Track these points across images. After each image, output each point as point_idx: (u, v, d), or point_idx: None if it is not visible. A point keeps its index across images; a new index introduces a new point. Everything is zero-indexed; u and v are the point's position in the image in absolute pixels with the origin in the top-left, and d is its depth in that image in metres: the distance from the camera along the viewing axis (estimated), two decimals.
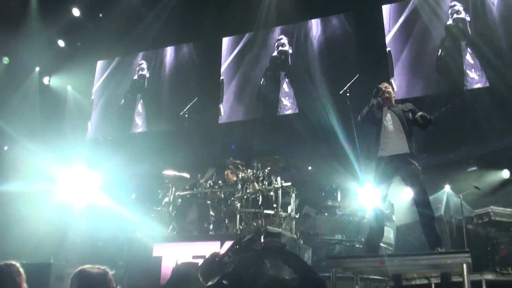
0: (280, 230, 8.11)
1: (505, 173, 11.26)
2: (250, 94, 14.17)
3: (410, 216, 9.78)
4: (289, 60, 14.06)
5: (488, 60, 11.76)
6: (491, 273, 7.45)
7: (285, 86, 13.74)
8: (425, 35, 12.66)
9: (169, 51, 15.90)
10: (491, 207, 8.68)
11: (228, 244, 4.65)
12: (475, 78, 11.79)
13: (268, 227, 8.11)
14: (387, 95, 6.58)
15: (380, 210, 6.29)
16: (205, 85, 14.74)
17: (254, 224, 8.46)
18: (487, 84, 11.62)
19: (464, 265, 5.38)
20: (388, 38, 13.04)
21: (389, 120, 6.44)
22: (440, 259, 5.81)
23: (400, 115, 6.44)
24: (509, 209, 8.79)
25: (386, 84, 6.79)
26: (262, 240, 3.73)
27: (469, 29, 12.35)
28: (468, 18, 12.38)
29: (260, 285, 3.45)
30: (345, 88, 12.13)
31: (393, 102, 6.72)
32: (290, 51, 14.12)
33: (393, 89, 6.98)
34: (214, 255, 3.86)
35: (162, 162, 10.82)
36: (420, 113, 6.29)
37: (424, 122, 6.29)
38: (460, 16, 12.44)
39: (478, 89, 11.68)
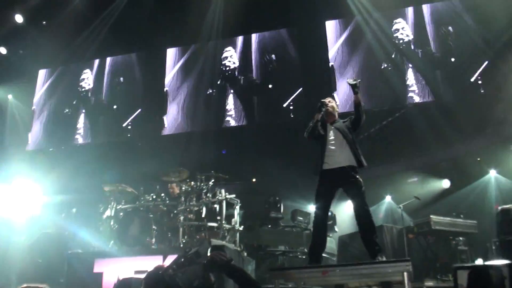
0: (224, 242, 8.04)
1: (445, 183, 11.57)
2: (194, 106, 14.04)
3: (352, 226, 9.91)
4: (235, 73, 14.06)
5: (430, 76, 12.14)
6: (431, 280, 7.63)
7: (231, 98, 13.72)
8: (368, 51, 12.91)
9: (113, 61, 15.60)
10: (430, 216, 8.90)
11: (171, 258, 4.53)
12: (416, 92, 12.13)
13: (211, 239, 8.03)
14: (330, 109, 6.63)
15: (322, 221, 6.31)
16: (149, 96, 14.53)
17: (198, 237, 8.36)
18: (430, 99, 11.95)
19: (405, 274, 5.41)
20: (331, 53, 13.25)
21: (332, 135, 6.50)
22: (381, 268, 5.85)
23: (343, 130, 6.51)
24: (448, 218, 9.04)
25: (329, 99, 6.83)
26: (208, 253, 3.65)
27: (412, 45, 12.70)
28: (410, 36, 12.73)
29: None
30: (288, 101, 12.24)
31: (336, 117, 6.77)
32: (236, 64, 14.13)
33: (336, 103, 7.02)
34: (158, 268, 3.75)
35: (104, 175, 10.59)
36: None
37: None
38: (402, 33, 12.77)
39: (421, 103, 11.99)
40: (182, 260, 3.64)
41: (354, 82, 6.34)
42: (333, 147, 6.39)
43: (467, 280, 5.23)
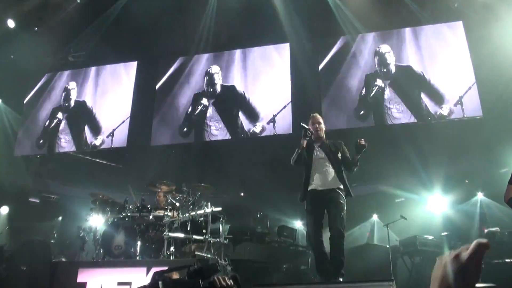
0: (208, 255, 8.00)
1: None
2: (178, 118, 13.96)
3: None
4: (218, 88, 14.01)
5: (411, 98, 12.22)
6: None
7: (213, 112, 13.66)
8: (352, 71, 12.97)
9: (98, 71, 15.51)
10: (416, 236, 8.92)
11: (155, 269, 4.40)
12: (397, 113, 12.17)
13: (196, 252, 7.98)
14: (317, 133, 6.66)
15: (316, 238, 6.32)
16: (137, 105, 14.45)
17: (183, 250, 8.30)
18: (413, 119, 12.00)
19: None
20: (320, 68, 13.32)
21: (317, 156, 6.55)
22: (365, 286, 5.86)
23: (328, 153, 6.55)
24: (433, 237, 9.07)
25: (319, 120, 6.84)
26: (213, 276, 3.49)
27: (392, 68, 12.75)
28: (392, 59, 12.81)
29: None
30: (274, 115, 12.27)
31: (324, 137, 6.79)
32: (220, 79, 14.10)
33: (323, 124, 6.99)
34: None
35: (91, 184, 10.51)
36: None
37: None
38: (385, 56, 12.86)
39: (404, 124, 12.04)
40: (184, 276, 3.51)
41: (364, 145, 6.33)
42: (319, 168, 6.44)
43: None
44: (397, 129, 11.98)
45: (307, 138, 6.51)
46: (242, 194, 12.89)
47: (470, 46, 11.94)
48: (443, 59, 12.35)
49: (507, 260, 7.52)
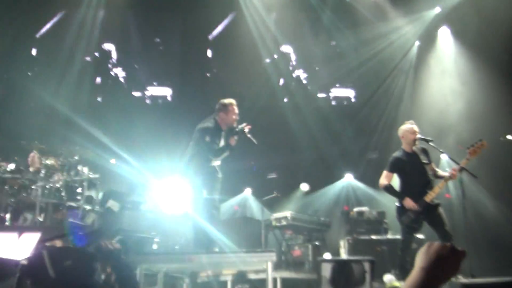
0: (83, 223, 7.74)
1: (303, 186, 12.13)
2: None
3: None
4: None
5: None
6: (285, 271, 7.97)
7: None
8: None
9: None
10: (289, 212, 9.31)
11: (26, 235, 4.02)
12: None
13: (71, 220, 7.68)
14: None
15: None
16: None
17: (55, 216, 7.92)
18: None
19: (269, 263, 5.64)
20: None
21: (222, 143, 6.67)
22: (247, 257, 6.04)
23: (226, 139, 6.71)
24: (305, 215, 9.53)
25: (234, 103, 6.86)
26: (100, 240, 3.34)
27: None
28: None
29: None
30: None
31: None
32: None
33: None
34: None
35: None
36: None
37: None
38: None
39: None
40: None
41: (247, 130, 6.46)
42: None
43: (331, 273, 5.58)
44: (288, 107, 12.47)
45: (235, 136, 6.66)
46: (113, 160, 12.30)
47: None
48: None
49: (373, 237, 8.18)
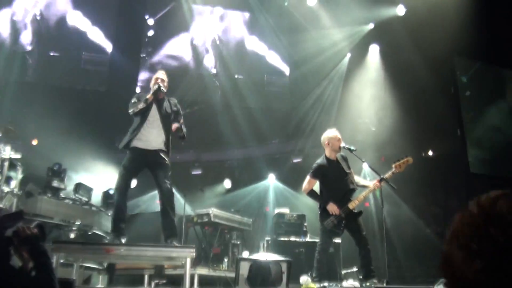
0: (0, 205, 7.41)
1: (226, 183, 12.20)
2: None
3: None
4: None
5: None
6: (204, 268, 8.00)
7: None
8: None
9: None
10: (212, 209, 9.35)
11: None
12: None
13: None
14: (165, 90, 6.56)
15: (123, 194, 6.26)
16: None
17: None
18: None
19: (188, 259, 5.67)
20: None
21: (153, 113, 6.42)
22: (166, 251, 6.04)
23: (165, 115, 6.48)
24: (227, 213, 9.59)
25: (163, 72, 6.72)
26: (17, 225, 3.19)
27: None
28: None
29: None
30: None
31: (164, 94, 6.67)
32: None
33: None
34: None
35: None
36: (178, 125, 6.41)
37: (179, 135, 6.48)
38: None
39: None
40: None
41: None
42: (151, 125, 6.35)
43: (248, 271, 5.67)
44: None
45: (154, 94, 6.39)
46: (34, 142, 11.78)
47: None
48: None
49: (292, 239, 8.36)
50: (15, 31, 12.53)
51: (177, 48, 13.51)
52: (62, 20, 12.90)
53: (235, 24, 13.81)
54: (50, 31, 12.82)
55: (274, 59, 13.81)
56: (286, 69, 13.86)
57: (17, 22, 12.60)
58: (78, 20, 12.92)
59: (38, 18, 12.74)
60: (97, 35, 13.01)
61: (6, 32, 12.38)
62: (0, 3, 12.27)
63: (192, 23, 13.25)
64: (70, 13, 12.96)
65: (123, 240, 6.15)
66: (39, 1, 12.81)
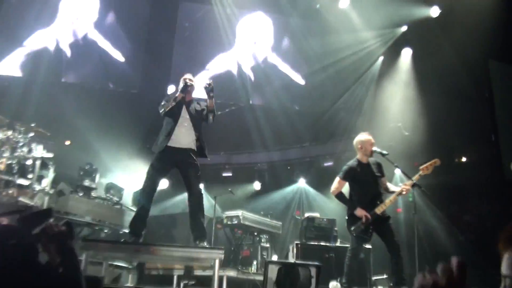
0: (31, 203, 7.54)
1: (256, 185, 12.19)
2: None
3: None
4: None
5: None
6: (232, 270, 7.98)
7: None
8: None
9: None
10: (241, 211, 9.35)
11: None
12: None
13: (20, 198, 7.48)
14: (191, 88, 6.56)
15: (150, 195, 6.25)
16: None
17: (4, 193, 7.69)
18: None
19: (217, 261, 5.64)
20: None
21: (183, 113, 6.44)
22: (196, 252, 6.02)
23: (194, 114, 6.50)
24: (256, 215, 9.58)
25: (190, 76, 6.74)
26: (46, 222, 3.20)
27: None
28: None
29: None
30: None
31: (192, 96, 6.69)
32: None
33: None
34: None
35: None
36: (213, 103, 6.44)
37: (210, 110, 6.47)
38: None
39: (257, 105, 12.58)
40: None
41: (211, 86, 6.35)
42: (181, 127, 6.35)
43: (277, 275, 5.62)
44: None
45: (185, 94, 6.43)
46: (68, 142, 11.99)
47: None
48: None
49: (322, 243, 8.26)
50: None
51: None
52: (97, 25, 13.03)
53: (267, 31, 13.70)
54: (86, 35, 12.98)
55: (305, 62, 13.70)
56: (317, 72, 13.71)
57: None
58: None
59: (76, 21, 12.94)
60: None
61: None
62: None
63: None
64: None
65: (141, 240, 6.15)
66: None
